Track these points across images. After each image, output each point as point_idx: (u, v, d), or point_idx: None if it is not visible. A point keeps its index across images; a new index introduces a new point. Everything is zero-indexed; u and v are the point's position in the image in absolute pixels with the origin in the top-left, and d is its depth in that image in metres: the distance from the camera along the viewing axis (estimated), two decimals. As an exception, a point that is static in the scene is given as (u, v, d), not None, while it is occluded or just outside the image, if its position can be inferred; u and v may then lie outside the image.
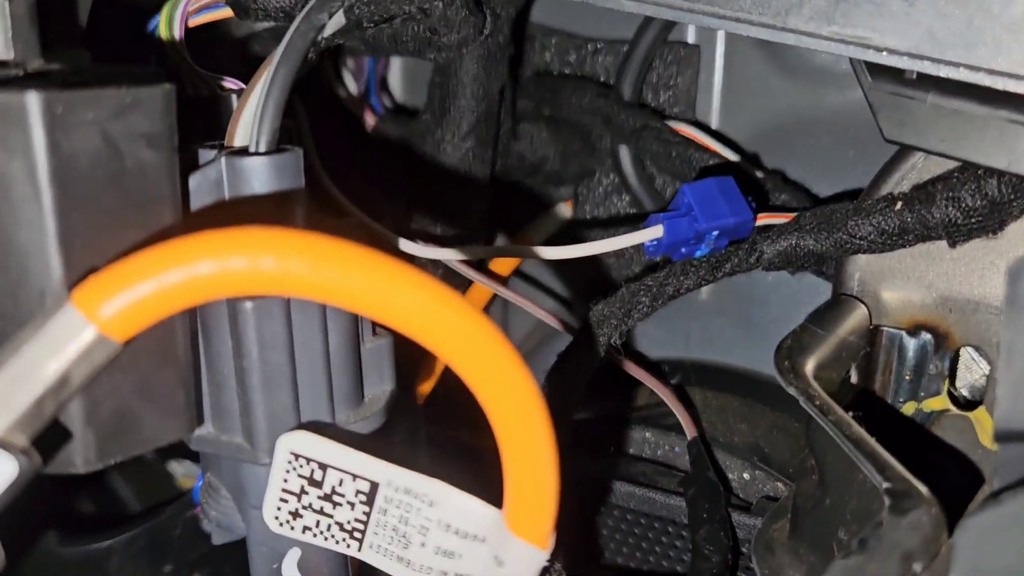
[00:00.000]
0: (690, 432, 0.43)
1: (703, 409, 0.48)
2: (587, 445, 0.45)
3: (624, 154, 0.48)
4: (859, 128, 0.44)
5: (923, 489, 0.27)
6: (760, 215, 0.40)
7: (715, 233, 0.37)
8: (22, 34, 0.25)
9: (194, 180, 0.26)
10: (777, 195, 0.44)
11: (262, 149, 0.27)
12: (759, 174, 0.45)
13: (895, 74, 0.33)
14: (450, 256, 0.40)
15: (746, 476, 0.44)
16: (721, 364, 0.51)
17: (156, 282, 0.20)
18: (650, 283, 0.39)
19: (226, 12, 0.38)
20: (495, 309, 0.58)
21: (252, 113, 0.28)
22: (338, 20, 0.30)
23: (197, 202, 0.27)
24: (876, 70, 0.33)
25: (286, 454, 0.25)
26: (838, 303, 0.38)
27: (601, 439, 0.46)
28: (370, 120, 0.54)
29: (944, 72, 0.30)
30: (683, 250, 0.37)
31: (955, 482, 0.36)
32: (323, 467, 0.25)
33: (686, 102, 0.50)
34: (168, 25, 0.36)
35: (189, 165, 0.26)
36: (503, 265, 0.53)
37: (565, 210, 0.55)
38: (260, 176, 0.26)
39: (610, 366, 0.43)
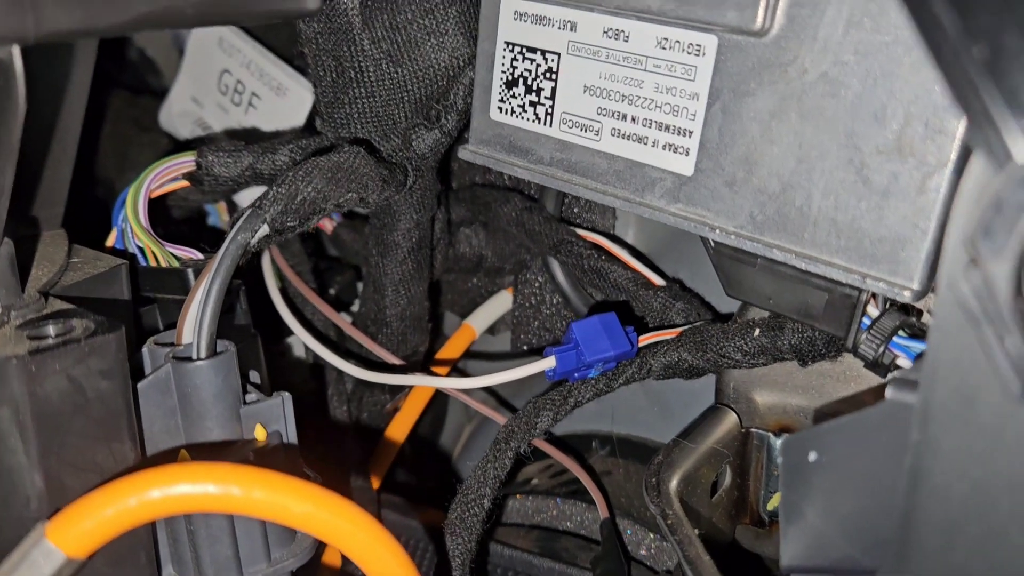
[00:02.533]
0: (603, 512, 0.50)
1: (625, 482, 0.55)
2: (512, 518, 0.52)
3: (552, 262, 0.55)
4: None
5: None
6: (648, 336, 0.46)
7: (601, 363, 0.44)
8: (4, 281, 0.32)
9: (146, 382, 0.33)
10: (672, 305, 0.50)
11: (203, 355, 0.34)
12: (659, 282, 0.52)
13: (732, 242, 0.39)
14: (396, 381, 0.47)
15: (653, 547, 0.51)
16: (644, 439, 0.58)
17: (111, 510, 0.27)
18: (553, 398, 0.46)
19: (182, 184, 0.45)
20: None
21: (194, 318, 0.35)
22: (263, 231, 0.37)
23: (151, 398, 0.34)
24: (717, 237, 0.40)
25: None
26: (709, 415, 0.45)
27: (524, 513, 0.53)
28: (329, 225, 0.61)
29: (761, 251, 0.37)
30: (576, 375, 0.44)
31: None
32: (255, 609, 0.32)
33: (605, 212, 0.56)
34: (134, 205, 0.43)
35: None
36: (449, 353, 0.60)
37: (506, 297, 0.62)
38: (201, 376, 0.33)
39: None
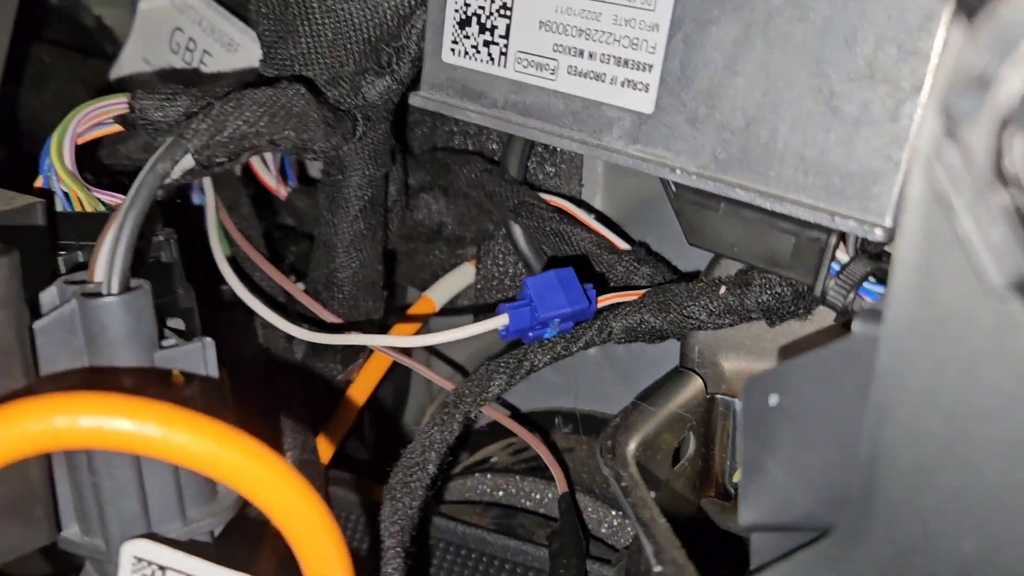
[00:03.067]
0: (561, 487, 0.47)
1: (588, 458, 0.52)
2: (469, 496, 0.49)
3: (513, 226, 0.52)
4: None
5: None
6: (608, 296, 0.44)
7: (557, 320, 0.41)
8: None
9: (47, 319, 0.31)
10: (636, 269, 0.48)
11: (114, 291, 0.31)
12: (624, 246, 0.49)
13: (693, 185, 0.37)
14: (337, 341, 0.44)
15: (616, 524, 0.48)
16: (608, 416, 0.55)
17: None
18: (508, 360, 0.43)
19: (114, 128, 0.42)
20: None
21: (107, 252, 0.32)
22: (186, 163, 0.34)
23: (53, 337, 0.31)
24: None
25: (129, 558, 0.29)
26: (671, 378, 0.42)
27: (482, 491, 0.50)
28: (283, 191, 0.58)
29: (724, 191, 0.34)
30: (531, 334, 0.41)
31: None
32: (162, 569, 0.29)
33: (571, 177, 0.53)
34: (59, 147, 0.41)
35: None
36: (405, 328, 0.57)
37: (469, 269, 0.59)
38: (110, 313, 0.31)
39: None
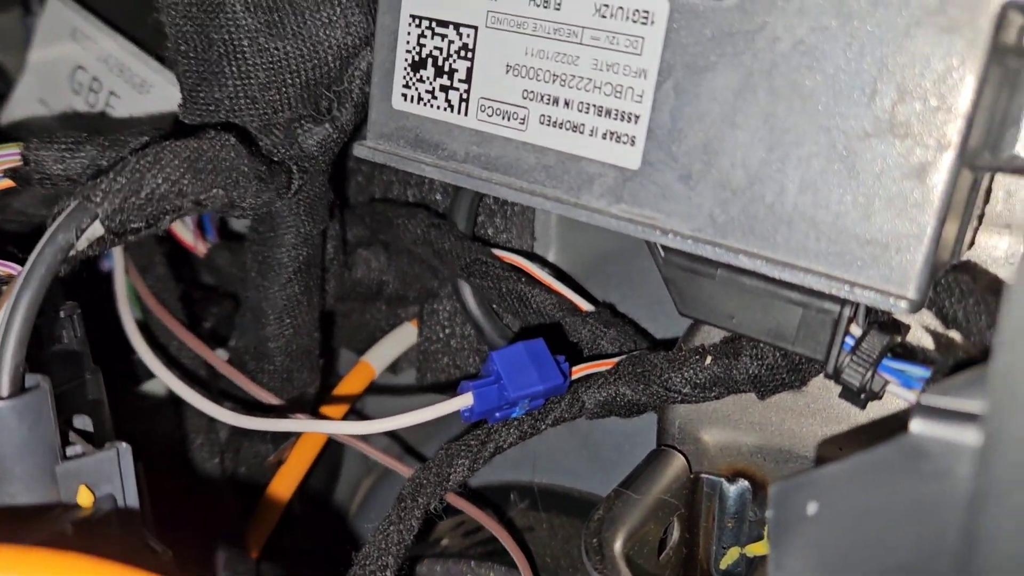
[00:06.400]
0: (525, 573, 0.43)
1: (550, 539, 0.48)
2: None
3: (463, 287, 0.48)
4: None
5: None
6: (579, 368, 0.39)
7: (527, 399, 0.36)
8: None
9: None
10: (603, 333, 0.44)
11: (3, 394, 0.25)
12: (587, 308, 0.45)
13: (685, 249, 0.33)
14: (270, 427, 0.38)
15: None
16: (569, 489, 0.51)
17: None
18: (470, 443, 0.38)
19: (5, 183, 0.36)
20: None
21: (-3, 343, 0.26)
22: (94, 231, 0.29)
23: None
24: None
25: None
26: (653, 459, 0.38)
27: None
28: (202, 248, 0.52)
29: (723, 257, 0.30)
30: (497, 415, 0.37)
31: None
32: None
33: (523, 230, 0.49)
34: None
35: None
36: (348, 392, 0.52)
37: (410, 330, 0.54)
38: (3, 423, 0.25)
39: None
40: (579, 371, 0.39)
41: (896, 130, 0.27)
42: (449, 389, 0.54)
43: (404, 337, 0.54)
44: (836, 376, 0.30)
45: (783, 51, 0.29)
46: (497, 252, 0.47)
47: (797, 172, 0.29)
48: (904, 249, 0.28)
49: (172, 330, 0.47)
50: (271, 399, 0.46)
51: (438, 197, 0.51)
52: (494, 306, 0.48)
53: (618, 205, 0.32)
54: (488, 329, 0.49)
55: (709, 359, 0.37)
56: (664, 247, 0.33)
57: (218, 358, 0.47)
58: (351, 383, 0.52)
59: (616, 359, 0.40)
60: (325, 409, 0.50)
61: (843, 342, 0.30)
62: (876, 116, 0.28)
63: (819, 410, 0.36)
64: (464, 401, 0.36)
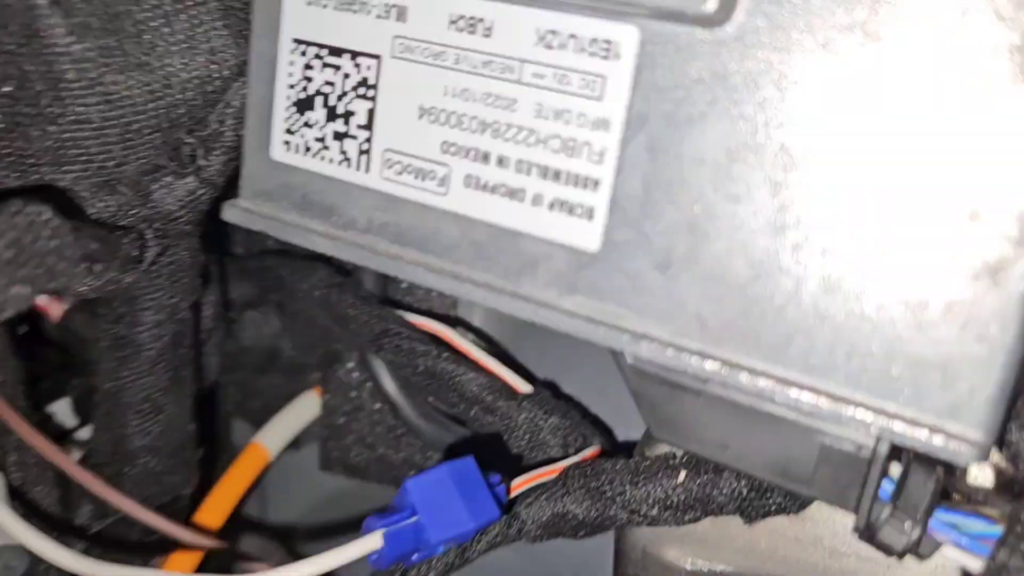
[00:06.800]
0: None
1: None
2: None
3: (376, 360, 0.39)
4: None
5: None
6: (518, 482, 0.31)
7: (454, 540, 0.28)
8: None
9: None
10: (544, 421, 0.35)
11: None
12: (524, 388, 0.37)
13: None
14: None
15: None
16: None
17: None
18: (380, 587, 0.30)
19: None
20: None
21: None
22: None
23: None
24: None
25: None
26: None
27: None
28: (55, 310, 0.42)
29: (716, 375, 0.22)
30: (415, 557, 0.28)
31: None
32: None
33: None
34: None
35: None
36: (235, 484, 0.43)
37: (312, 401, 0.45)
38: None
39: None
40: (518, 487, 0.31)
41: (965, 214, 0.20)
42: (358, 474, 0.45)
43: (305, 409, 0.45)
44: (870, 535, 0.22)
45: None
46: (412, 319, 0.38)
47: (821, 263, 0.21)
48: (969, 375, 0.20)
49: (11, 425, 0.37)
50: (137, 510, 0.37)
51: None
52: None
53: (571, 297, 0.24)
54: (406, 408, 0.40)
55: (683, 474, 0.29)
56: (632, 354, 0.25)
57: (69, 461, 0.37)
58: (239, 474, 0.43)
59: (562, 464, 0.32)
60: (203, 515, 0.41)
61: (878, 486, 0.22)
62: (937, 201, 0.20)
63: (823, 537, 0.29)
64: (371, 543, 0.27)
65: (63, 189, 0.28)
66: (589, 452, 0.34)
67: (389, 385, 0.40)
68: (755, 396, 0.23)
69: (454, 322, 0.40)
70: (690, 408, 0.24)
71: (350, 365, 0.43)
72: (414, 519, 0.27)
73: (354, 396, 0.44)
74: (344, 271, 0.41)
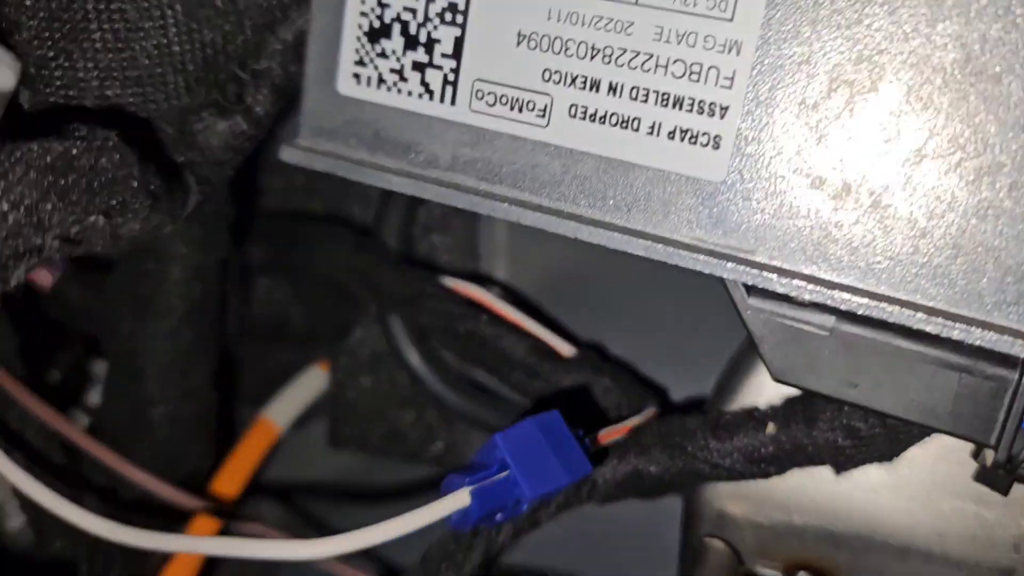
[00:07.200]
0: None
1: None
2: None
3: (396, 325, 0.37)
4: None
5: None
6: (604, 432, 0.30)
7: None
8: None
9: None
10: (597, 384, 0.34)
11: None
12: (568, 351, 0.35)
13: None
14: (149, 545, 0.27)
15: None
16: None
17: None
18: (453, 554, 0.28)
19: None
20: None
21: None
22: None
23: None
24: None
25: None
26: (697, 558, 0.29)
27: None
28: (47, 278, 0.39)
29: (862, 308, 0.21)
30: (499, 516, 0.27)
31: None
32: None
33: (465, 247, 0.39)
34: None
35: None
36: (244, 461, 0.40)
37: (320, 376, 0.43)
38: None
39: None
40: (606, 438, 0.29)
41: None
42: (368, 451, 0.43)
43: (312, 384, 0.43)
44: (1012, 466, 0.22)
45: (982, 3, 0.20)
46: (446, 281, 0.37)
47: (972, 188, 0.20)
48: None
49: (11, 393, 0.34)
50: (154, 484, 0.34)
51: (355, 209, 0.40)
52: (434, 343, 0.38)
53: (692, 231, 0.23)
54: (429, 377, 0.38)
55: (772, 426, 0.28)
56: (751, 290, 0.23)
57: (76, 429, 0.35)
58: (249, 448, 0.41)
59: (631, 423, 0.31)
60: (218, 484, 0.39)
61: (1022, 418, 0.22)
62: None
63: (910, 485, 0.28)
64: (458, 501, 0.25)
65: (117, 118, 0.25)
66: (649, 412, 0.33)
67: (411, 354, 0.37)
68: (883, 326, 0.22)
69: (483, 282, 0.39)
70: (815, 347, 0.23)
71: (361, 336, 0.41)
72: (504, 474, 0.25)
73: (366, 368, 0.42)
74: (363, 231, 0.39)
